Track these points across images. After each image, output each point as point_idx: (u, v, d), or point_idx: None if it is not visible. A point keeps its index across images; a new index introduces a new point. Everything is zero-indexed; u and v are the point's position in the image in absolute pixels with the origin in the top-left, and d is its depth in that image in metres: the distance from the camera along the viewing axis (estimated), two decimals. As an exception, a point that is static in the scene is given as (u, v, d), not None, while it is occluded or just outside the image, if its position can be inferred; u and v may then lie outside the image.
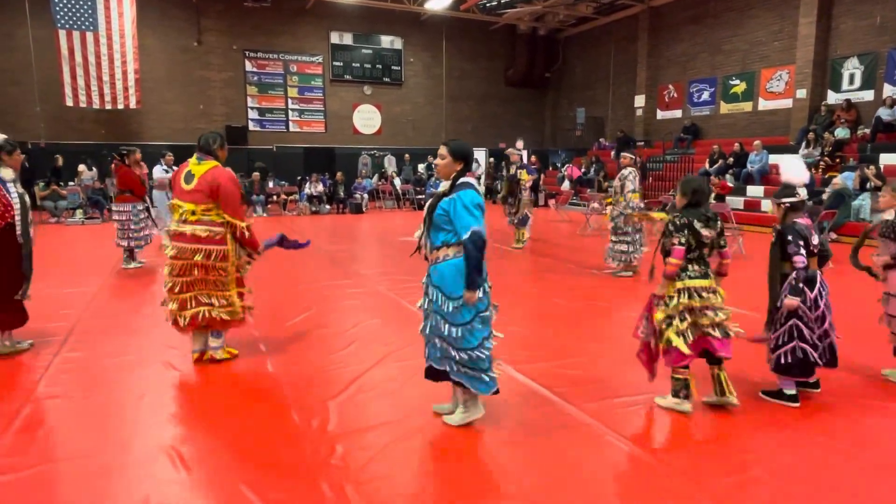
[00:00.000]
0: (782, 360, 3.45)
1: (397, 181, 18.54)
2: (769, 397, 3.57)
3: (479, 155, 22.30)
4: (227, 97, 18.48)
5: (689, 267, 3.34)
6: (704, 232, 3.30)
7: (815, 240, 3.49)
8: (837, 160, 12.22)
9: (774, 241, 3.54)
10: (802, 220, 3.48)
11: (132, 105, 16.04)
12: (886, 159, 11.57)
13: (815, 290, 3.45)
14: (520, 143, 10.29)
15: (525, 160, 10.30)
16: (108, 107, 15.79)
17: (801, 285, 3.38)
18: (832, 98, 13.90)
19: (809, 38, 13.83)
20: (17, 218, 4.18)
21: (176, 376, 4.05)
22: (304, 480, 2.70)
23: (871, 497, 2.64)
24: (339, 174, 17.05)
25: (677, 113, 18.03)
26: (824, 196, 10.48)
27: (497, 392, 3.14)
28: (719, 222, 3.39)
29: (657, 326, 3.39)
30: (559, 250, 9.60)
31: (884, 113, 12.33)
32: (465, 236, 2.87)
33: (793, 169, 3.66)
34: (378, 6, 18.96)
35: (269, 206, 16.30)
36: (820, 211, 8.74)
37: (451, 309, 2.99)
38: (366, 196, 17.26)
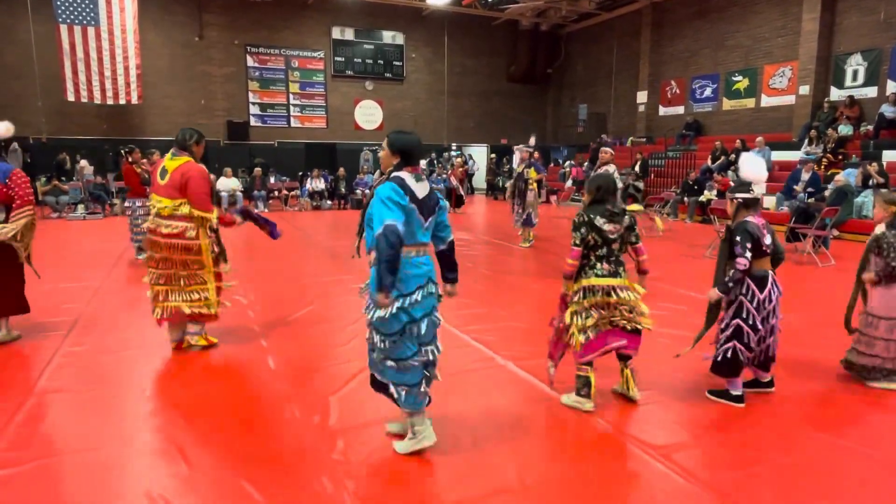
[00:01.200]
0: (719, 359, 3.41)
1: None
2: (715, 397, 3.51)
3: (481, 151, 22.31)
4: (229, 92, 18.47)
5: (598, 265, 3.28)
6: (607, 227, 3.23)
7: (768, 239, 3.37)
8: (840, 157, 12.19)
9: (724, 239, 3.47)
10: (755, 219, 3.38)
11: (134, 100, 16.04)
12: (889, 156, 11.54)
13: (766, 291, 3.34)
14: (532, 140, 10.02)
15: (533, 157, 9.94)
16: (110, 102, 15.79)
17: (730, 284, 3.34)
18: (835, 94, 13.86)
19: (813, 33, 13.78)
20: None
21: (178, 371, 4.05)
22: (305, 475, 2.71)
23: (874, 493, 2.63)
24: (340, 170, 17.04)
25: (679, 109, 17.98)
26: (826, 193, 10.45)
27: (423, 404, 2.87)
28: (627, 217, 3.30)
29: (566, 324, 3.36)
30: (561, 247, 9.59)
31: (887, 110, 12.29)
32: (378, 230, 2.59)
33: (751, 166, 3.55)
34: (380, 1, 18.92)
35: (270, 201, 16.30)
36: (822, 208, 8.71)
37: (375, 317, 2.75)
38: (367, 192, 17.23)
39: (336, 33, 19.62)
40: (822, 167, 11.96)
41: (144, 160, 8.07)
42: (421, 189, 2.79)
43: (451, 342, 4.67)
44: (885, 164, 11.18)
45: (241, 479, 2.67)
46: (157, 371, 4.05)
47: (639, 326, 3.34)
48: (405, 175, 2.78)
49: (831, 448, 3.02)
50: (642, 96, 19.00)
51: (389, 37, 20.33)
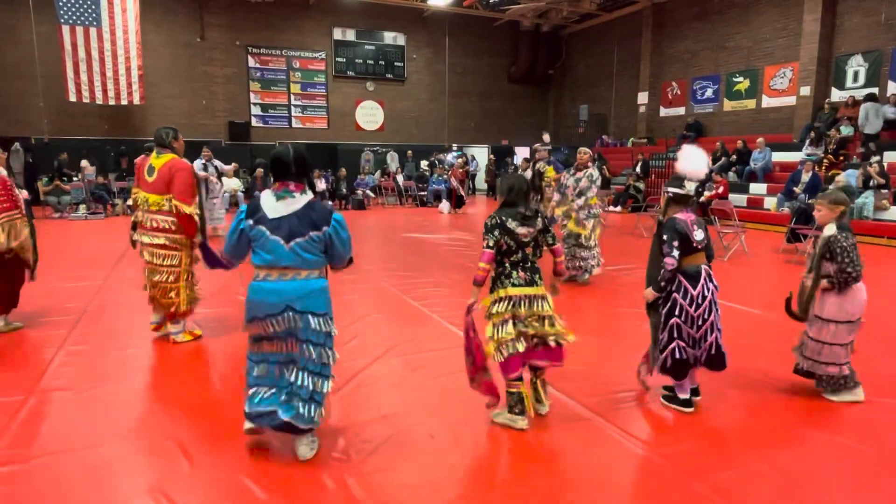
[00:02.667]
0: (668, 363, 3.32)
1: (400, 177, 18.56)
2: (666, 402, 3.44)
3: (481, 151, 22.31)
4: (230, 93, 18.50)
5: (514, 273, 3.09)
6: (520, 230, 3.04)
7: (699, 235, 3.28)
8: (841, 158, 12.19)
9: (656, 233, 3.41)
10: (683, 215, 3.29)
11: (136, 101, 16.06)
12: (890, 157, 11.54)
13: (699, 288, 3.26)
14: (546, 137, 9.90)
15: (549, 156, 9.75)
16: (112, 102, 15.81)
17: (662, 283, 3.30)
18: (836, 95, 13.86)
19: (814, 35, 13.79)
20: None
21: (179, 369, 4.07)
22: (306, 473, 2.72)
23: (872, 493, 2.64)
24: (341, 170, 17.07)
25: (680, 110, 17.99)
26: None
27: (247, 430, 2.89)
28: (540, 219, 3.13)
29: (479, 341, 3.15)
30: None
31: (888, 111, 12.28)
32: None
33: (690, 160, 3.40)
34: (381, 2, 18.95)
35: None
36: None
37: None
38: (368, 192, 17.27)
39: (337, 34, 19.64)
40: (823, 168, 11.97)
41: None
42: (282, 207, 2.69)
43: (451, 342, 4.68)
44: (885, 164, 11.18)
45: (242, 476, 2.68)
46: (159, 369, 4.07)
47: (562, 340, 3.18)
48: (265, 193, 2.78)
49: (831, 446, 3.03)
50: (643, 97, 19.01)
51: (391, 37, 20.35)
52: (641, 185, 15.64)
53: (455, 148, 21.57)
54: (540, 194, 9.08)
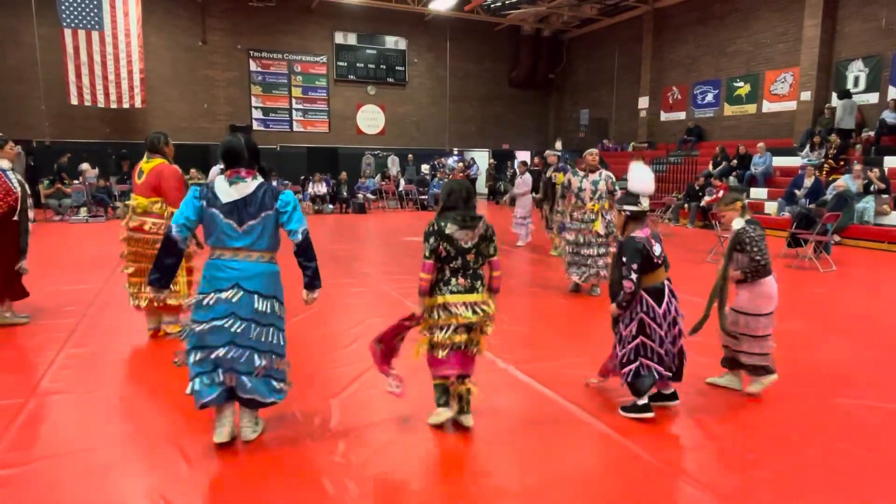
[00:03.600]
0: (629, 378, 3.31)
1: (401, 181, 18.58)
2: (626, 413, 3.34)
3: (482, 156, 22.34)
4: (232, 96, 18.53)
5: (453, 280, 3.00)
6: (459, 235, 2.95)
7: (657, 250, 3.28)
8: (841, 162, 12.20)
9: (616, 254, 3.39)
10: (641, 233, 3.28)
11: (137, 104, 16.08)
12: (890, 162, 11.54)
13: (664, 304, 3.26)
14: (558, 144, 9.94)
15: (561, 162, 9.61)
16: (114, 106, 15.83)
17: (623, 303, 3.28)
18: (836, 101, 13.86)
19: (814, 40, 13.81)
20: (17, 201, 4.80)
21: (179, 373, 4.05)
22: (307, 477, 2.72)
23: (874, 497, 2.63)
24: (342, 174, 17.09)
25: (681, 115, 18.00)
26: (827, 198, 10.46)
27: (200, 406, 2.90)
28: (482, 225, 3.01)
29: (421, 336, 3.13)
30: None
31: (888, 116, 12.30)
32: None
33: (639, 177, 3.40)
34: (382, 6, 19.00)
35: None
36: (823, 213, 8.71)
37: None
38: (369, 196, 17.29)
39: (339, 38, 19.68)
40: (824, 173, 11.97)
41: None
42: (234, 192, 2.81)
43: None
44: (886, 169, 11.19)
45: (241, 479, 2.68)
46: (158, 372, 4.06)
47: (477, 350, 3.11)
48: (217, 179, 2.87)
49: (830, 451, 3.02)
50: (644, 102, 19.03)
51: (392, 42, 20.40)
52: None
53: (456, 152, 21.59)
54: (552, 201, 9.05)
